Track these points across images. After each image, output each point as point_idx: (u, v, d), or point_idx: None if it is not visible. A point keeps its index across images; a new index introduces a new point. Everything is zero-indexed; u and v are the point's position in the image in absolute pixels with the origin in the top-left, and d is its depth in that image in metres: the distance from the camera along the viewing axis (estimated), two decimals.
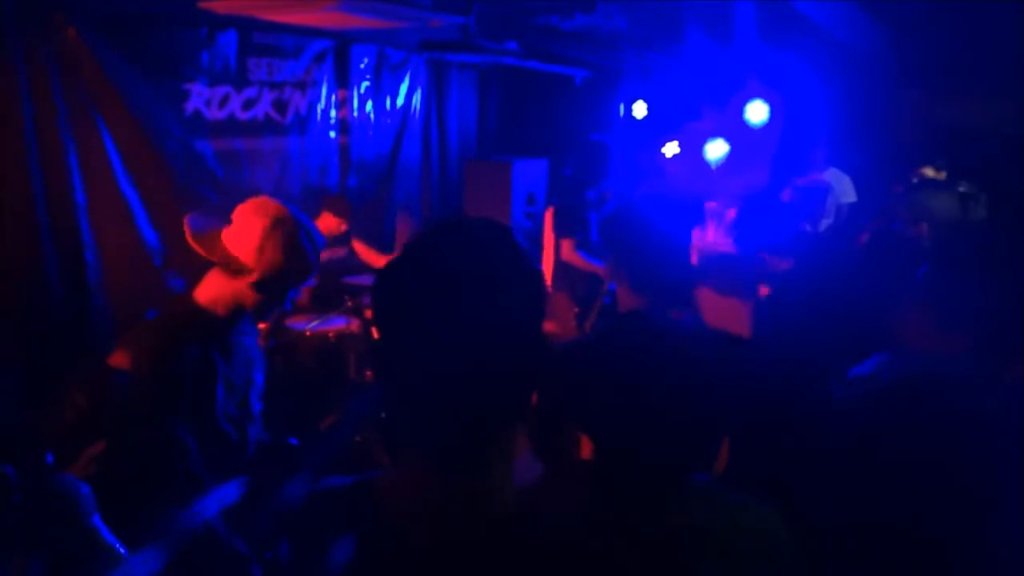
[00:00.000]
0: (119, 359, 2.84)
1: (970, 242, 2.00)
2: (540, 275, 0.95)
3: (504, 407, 0.92)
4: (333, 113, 4.85)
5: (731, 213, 4.76)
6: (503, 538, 0.89)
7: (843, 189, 5.48)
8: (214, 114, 4.01)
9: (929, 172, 5.38)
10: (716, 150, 6.14)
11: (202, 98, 3.93)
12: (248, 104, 4.20)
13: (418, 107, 5.61)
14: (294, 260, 1.92)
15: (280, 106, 4.43)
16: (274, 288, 1.94)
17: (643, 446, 1.18)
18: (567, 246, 4.27)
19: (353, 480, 1.02)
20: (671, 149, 6.40)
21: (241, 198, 4.33)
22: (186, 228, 1.95)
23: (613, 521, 1.13)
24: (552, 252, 4.41)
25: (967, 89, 6.92)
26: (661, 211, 2.18)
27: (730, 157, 5.96)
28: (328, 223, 4.30)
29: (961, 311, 1.40)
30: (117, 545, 1.51)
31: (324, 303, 4.17)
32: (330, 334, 3.99)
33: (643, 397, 1.17)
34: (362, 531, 0.95)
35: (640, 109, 6.73)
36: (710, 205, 4.89)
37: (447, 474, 0.91)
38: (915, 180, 5.35)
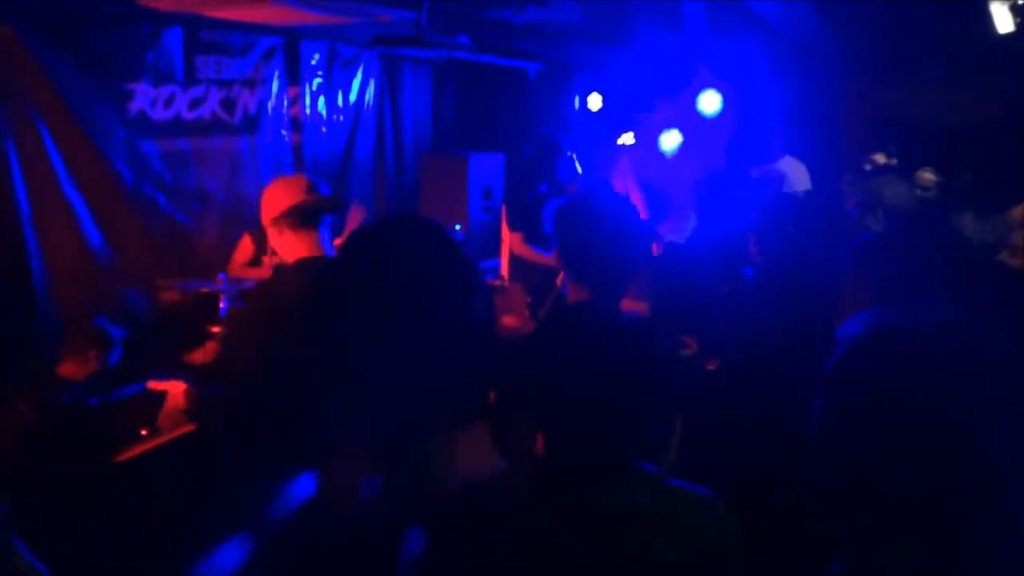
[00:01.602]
0: (67, 369, 2.76)
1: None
2: (473, 268, 0.95)
3: (443, 399, 0.92)
4: (284, 111, 4.76)
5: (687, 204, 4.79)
6: (446, 519, 0.90)
7: (798, 177, 5.56)
8: (159, 114, 3.91)
9: (880, 159, 5.49)
10: (671, 141, 6.19)
11: (147, 98, 3.83)
12: (195, 103, 4.10)
13: (371, 103, 5.54)
14: None
15: (228, 105, 4.33)
16: None
17: (582, 434, 1.22)
18: (516, 240, 4.30)
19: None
20: (627, 140, 6.43)
21: (190, 199, 4.26)
22: None
23: (558, 504, 1.16)
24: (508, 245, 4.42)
25: (914, 78, 7.08)
26: (609, 205, 2.19)
27: (685, 147, 6.01)
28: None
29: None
30: (38, 564, 1.45)
31: None
32: None
33: (579, 387, 1.21)
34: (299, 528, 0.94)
35: (595, 101, 6.75)
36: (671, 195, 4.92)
37: (389, 465, 0.91)
38: (868, 167, 5.46)
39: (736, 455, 2.18)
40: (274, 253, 3.58)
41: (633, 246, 2.13)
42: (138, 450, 2.74)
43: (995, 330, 0.96)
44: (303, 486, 1.01)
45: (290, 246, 2.66)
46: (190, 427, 2.93)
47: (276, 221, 2.61)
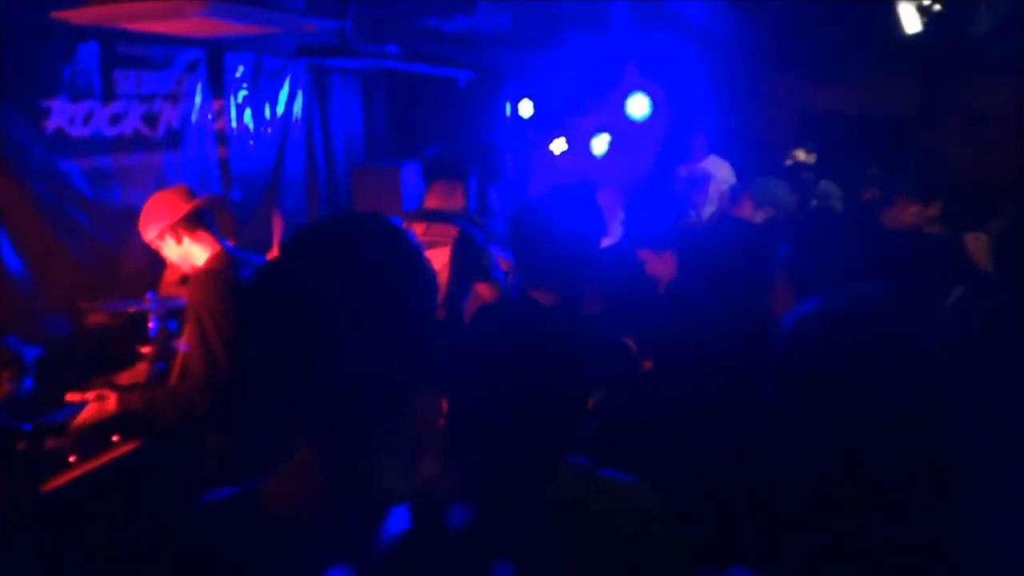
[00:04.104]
0: None
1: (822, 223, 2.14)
2: (422, 258, 0.95)
3: (391, 392, 0.92)
4: (209, 125, 4.67)
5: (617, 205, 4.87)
6: (387, 518, 0.90)
7: (723, 176, 5.71)
8: (79, 131, 3.78)
9: (801, 155, 5.67)
10: (602, 144, 6.28)
11: (64, 115, 3.70)
12: (115, 119, 3.99)
13: (300, 115, 5.47)
14: None
15: (151, 120, 4.22)
16: None
17: (512, 431, 1.24)
18: None
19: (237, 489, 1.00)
20: (559, 146, 6.50)
21: (114, 218, 4.14)
22: None
23: (491, 500, 1.16)
24: None
25: (832, 75, 7.34)
26: (551, 208, 2.22)
27: (616, 148, 6.10)
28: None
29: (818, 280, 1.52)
30: None
31: None
32: None
33: (506, 382, 1.24)
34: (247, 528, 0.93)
35: (526, 108, 6.80)
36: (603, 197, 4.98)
37: (335, 460, 0.90)
38: (788, 163, 5.63)
39: (667, 449, 2.23)
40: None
41: (580, 245, 2.15)
42: (67, 477, 2.66)
43: (930, 307, 1.02)
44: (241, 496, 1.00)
45: (193, 250, 2.86)
46: (117, 452, 2.86)
47: (174, 229, 2.88)
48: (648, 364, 2.88)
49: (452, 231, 3.54)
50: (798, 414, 0.98)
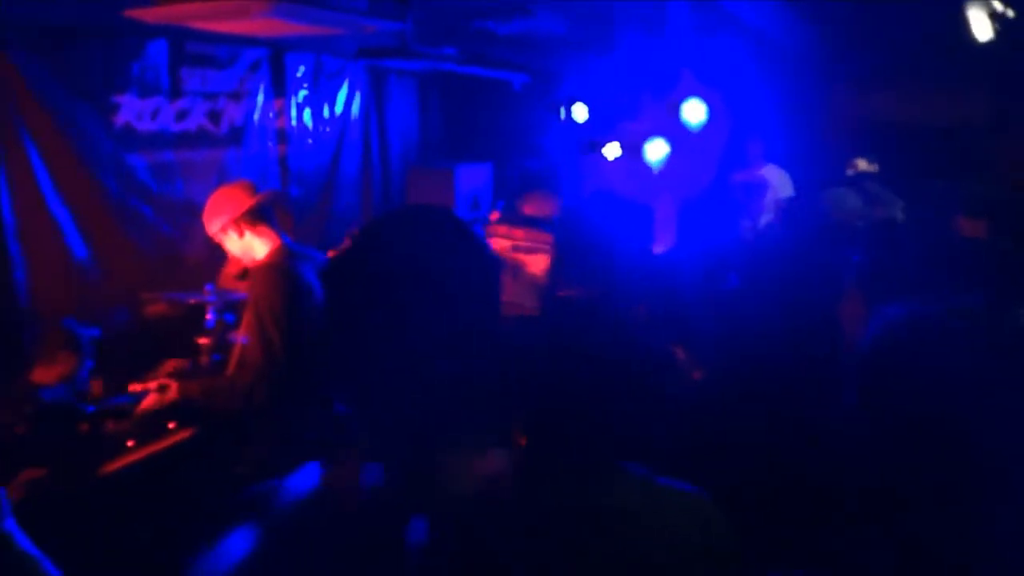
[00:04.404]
0: (39, 374, 2.75)
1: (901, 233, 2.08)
2: (490, 255, 0.94)
3: (462, 390, 0.91)
4: (270, 123, 4.77)
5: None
6: (446, 527, 0.89)
7: (781, 184, 5.61)
8: (146, 126, 3.90)
9: (862, 164, 5.54)
10: (656, 150, 6.21)
11: (133, 111, 3.82)
12: (181, 115, 4.10)
13: (357, 115, 5.55)
14: None
15: (214, 117, 4.33)
16: None
17: (570, 432, 1.21)
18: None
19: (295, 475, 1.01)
20: (612, 151, 6.45)
21: (177, 211, 4.25)
22: None
23: (546, 504, 1.15)
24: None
25: (896, 84, 7.15)
26: (599, 214, 2.21)
27: (671, 154, 6.03)
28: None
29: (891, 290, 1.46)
30: (33, 551, 1.45)
31: None
32: None
33: (569, 383, 1.20)
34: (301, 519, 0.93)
35: (580, 112, 6.77)
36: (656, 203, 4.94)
37: (397, 463, 0.90)
38: (850, 172, 5.50)
39: (727, 460, 2.19)
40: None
41: (615, 247, 2.14)
42: (125, 461, 2.73)
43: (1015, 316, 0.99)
44: (305, 478, 1.00)
45: (254, 244, 3.00)
46: (173, 439, 2.93)
47: (237, 223, 2.94)
48: (698, 374, 2.84)
49: (549, 238, 3.66)
50: (887, 422, 0.96)
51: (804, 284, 2.73)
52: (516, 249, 3.64)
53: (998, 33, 5.29)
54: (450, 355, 0.88)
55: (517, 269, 3.59)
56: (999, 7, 4.99)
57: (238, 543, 0.96)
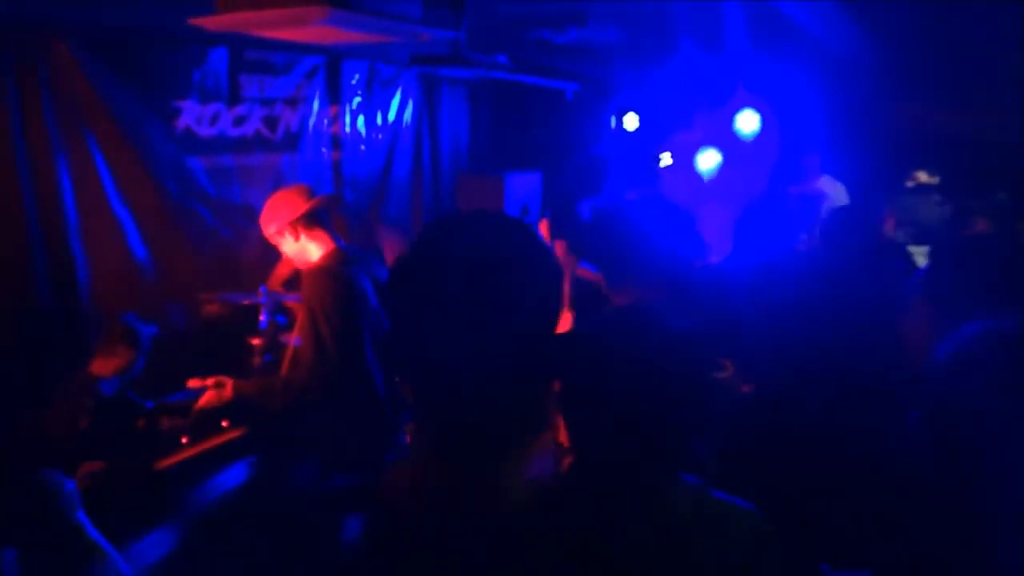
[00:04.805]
0: (97, 366, 2.82)
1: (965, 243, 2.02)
2: (554, 262, 0.94)
3: (522, 396, 0.91)
4: (325, 129, 4.85)
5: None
6: (503, 532, 0.89)
7: (837, 197, 5.50)
8: (205, 131, 4.00)
9: (923, 177, 5.41)
10: (708, 160, 6.15)
11: (193, 115, 3.92)
12: (239, 121, 4.19)
13: (409, 122, 5.61)
14: None
15: (271, 123, 4.42)
16: None
17: (624, 442, 1.19)
18: (560, 247, 4.45)
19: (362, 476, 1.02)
20: (664, 161, 6.41)
21: (234, 214, 4.34)
22: None
23: (597, 513, 1.14)
24: None
25: (959, 98, 6.96)
26: (646, 214, 2.19)
27: (724, 165, 5.96)
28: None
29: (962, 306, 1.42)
30: (102, 542, 1.49)
31: None
32: None
33: (624, 391, 1.18)
34: (367, 518, 0.94)
35: (631, 121, 6.74)
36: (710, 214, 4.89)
37: (460, 464, 0.90)
38: (910, 184, 5.37)
39: (775, 476, 2.15)
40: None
41: (675, 255, 2.11)
42: (179, 457, 2.79)
43: None
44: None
45: (309, 247, 3.06)
46: (226, 436, 2.98)
47: (293, 226, 3.01)
48: (747, 388, 2.79)
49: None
50: (959, 441, 0.93)
51: (859, 299, 2.66)
52: None
53: None
54: (514, 358, 0.88)
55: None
56: None
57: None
